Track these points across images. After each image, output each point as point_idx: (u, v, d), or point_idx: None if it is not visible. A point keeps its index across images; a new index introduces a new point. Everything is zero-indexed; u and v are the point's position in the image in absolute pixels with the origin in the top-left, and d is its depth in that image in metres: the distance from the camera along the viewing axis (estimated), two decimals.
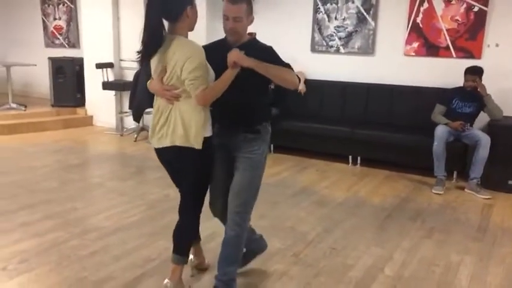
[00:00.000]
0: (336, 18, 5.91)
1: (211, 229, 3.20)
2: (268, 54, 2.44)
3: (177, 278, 2.55)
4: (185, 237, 2.61)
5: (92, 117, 7.61)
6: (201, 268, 2.92)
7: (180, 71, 2.28)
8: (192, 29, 2.46)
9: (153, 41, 2.32)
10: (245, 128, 2.50)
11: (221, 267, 2.55)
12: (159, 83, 2.39)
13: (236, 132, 2.50)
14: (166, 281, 2.54)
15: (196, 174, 2.47)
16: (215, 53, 2.39)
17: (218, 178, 2.57)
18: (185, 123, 2.34)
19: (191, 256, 2.80)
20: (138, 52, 2.40)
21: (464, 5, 5.17)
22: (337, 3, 5.88)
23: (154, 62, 2.42)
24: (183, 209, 2.60)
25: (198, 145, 2.34)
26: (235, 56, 2.30)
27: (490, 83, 4.72)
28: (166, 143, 2.41)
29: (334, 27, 5.94)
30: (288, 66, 2.47)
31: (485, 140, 4.57)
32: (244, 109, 2.48)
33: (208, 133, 2.41)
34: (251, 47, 2.45)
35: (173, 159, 2.48)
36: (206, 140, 2.37)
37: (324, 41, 6.04)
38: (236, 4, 2.37)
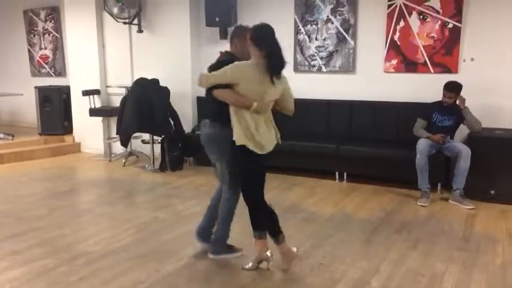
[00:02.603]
0: (316, 38, 6.08)
1: None
2: None
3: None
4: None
5: (79, 144, 7.64)
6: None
7: None
8: (243, 57, 3.11)
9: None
10: None
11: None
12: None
13: None
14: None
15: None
16: None
17: None
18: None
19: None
20: None
21: (439, 22, 5.36)
22: (317, 24, 6.05)
23: None
24: None
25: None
26: None
27: (467, 96, 4.86)
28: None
29: (315, 47, 6.10)
30: None
31: (465, 152, 4.69)
32: None
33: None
34: None
35: None
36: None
37: (306, 61, 6.19)
38: None
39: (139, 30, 6.87)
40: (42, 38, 8.51)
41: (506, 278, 3.15)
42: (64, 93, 7.64)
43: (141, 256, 3.46)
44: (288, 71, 6.19)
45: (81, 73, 7.42)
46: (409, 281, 3.07)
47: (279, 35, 6.81)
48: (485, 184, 4.76)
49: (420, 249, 3.60)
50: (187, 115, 6.62)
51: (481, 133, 4.89)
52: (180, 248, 3.56)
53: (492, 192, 4.75)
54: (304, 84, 6.10)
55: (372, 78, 5.83)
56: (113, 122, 6.97)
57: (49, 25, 8.36)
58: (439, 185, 5.09)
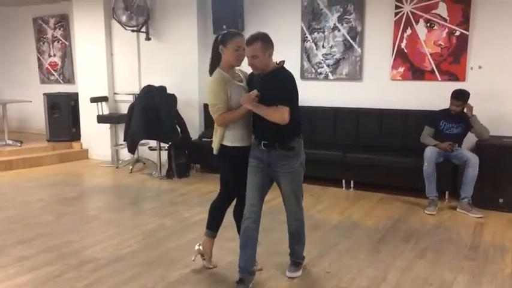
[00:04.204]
0: (323, 46, 6.09)
1: None
2: (278, 86, 2.93)
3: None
4: (212, 213, 3.35)
5: (87, 150, 7.68)
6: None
7: None
8: (229, 65, 3.05)
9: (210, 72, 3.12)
10: (281, 146, 2.98)
11: (292, 251, 3.30)
12: None
13: (273, 149, 2.99)
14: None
15: (222, 172, 3.30)
16: (250, 82, 3.11)
17: (251, 184, 3.04)
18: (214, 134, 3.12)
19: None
20: None
21: (446, 30, 5.36)
22: (323, 32, 6.07)
23: None
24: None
25: (215, 151, 3.11)
26: (242, 99, 2.94)
27: (475, 104, 4.83)
28: None
29: (322, 55, 6.11)
30: (285, 101, 2.88)
31: (474, 160, 4.66)
32: (277, 128, 2.89)
33: (230, 143, 3.05)
34: (271, 77, 2.96)
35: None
36: (230, 149, 3.06)
37: (312, 69, 6.20)
38: (251, 45, 2.89)
39: (147, 38, 6.92)
40: (51, 46, 8.59)
41: None
42: (72, 100, 7.71)
43: (148, 263, 3.47)
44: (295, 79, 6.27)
45: (89, 80, 7.48)
46: None
47: (286, 43, 6.87)
48: (493, 192, 4.72)
49: (428, 258, 3.57)
50: (194, 122, 6.64)
51: (489, 141, 4.85)
52: (187, 255, 3.55)
53: (501, 200, 4.71)
54: (311, 92, 6.11)
55: (378, 86, 5.83)
56: (121, 128, 7.01)
57: (58, 33, 8.45)
58: (446, 193, 5.06)
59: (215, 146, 3.11)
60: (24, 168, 6.81)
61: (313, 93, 6.10)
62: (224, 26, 6.08)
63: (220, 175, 3.35)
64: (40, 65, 8.80)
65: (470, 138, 5.00)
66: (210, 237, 3.34)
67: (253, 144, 3.12)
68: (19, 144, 7.34)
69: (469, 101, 4.83)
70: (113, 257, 3.58)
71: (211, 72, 3.12)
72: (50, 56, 8.65)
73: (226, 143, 3.07)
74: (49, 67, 8.68)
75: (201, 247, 3.36)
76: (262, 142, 3.01)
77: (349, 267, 3.40)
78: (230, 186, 3.24)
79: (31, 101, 7.89)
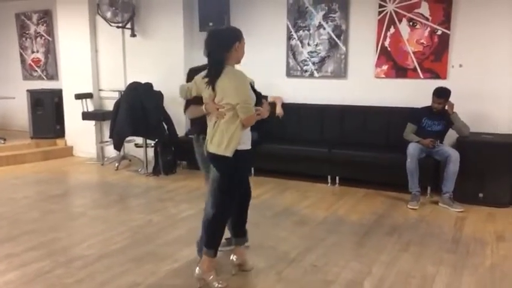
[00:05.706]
0: (308, 44, 6.16)
1: None
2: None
3: (204, 267, 3.00)
4: (210, 230, 3.03)
5: (72, 147, 7.63)
6: (244, 269, 3.26)
7: (228, 97, 2.80)
8: (238, 62, 2.97)
9: (216, 71, 2.83)
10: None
11: None
12: (212, 102, 2.88)
13: None
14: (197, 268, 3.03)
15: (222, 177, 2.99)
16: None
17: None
18: (223, 136, 2.84)
19: (233, 256, 3.24)
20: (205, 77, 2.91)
21: (428, 29, 5.47)
22: (309, 30, 6.13)
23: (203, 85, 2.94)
24: (214, 205, 3.03)
25: (229, 154, 2.83)
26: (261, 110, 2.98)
27: (455, 102, 4.96)
28: (211, 149, 2.93)
29: (308, 52, 6.18)
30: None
31: (455, 156, 4.79)
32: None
33: (245, 146, 2.91)
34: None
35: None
36: (240, 152, 2.87)
37: (298, 66, 6.27)
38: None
39: (133, 35, 6.90)
40: (34, 41, 8.50)
41: (495, 279, 3.22)
42: (56, 97, 7.65)
43: (137, 259, 3.49)
44: (280, 76, 6.36)
45: (73, 77, 7.42)
46: (401, 283, 3.13)
47: (271, 40, 6.90)
48: (473, 187, 4.85)
49: (411, 252, 3.67)
50: (180, 119, 6.64)
51: (469, 137, 4.99)
52: (175, 251, 3.59)
53: (481, 195, 4.84)
54: (296, 89, 6.18)
55: (363, 84, 5.92)
56: (106, 125, 6.99)
57: (41, 28, 8.36)
58: (428, 188, 5.18)
59: (230, 149, 2.83)
60: (7, 166, 6.73)
61: (298, 91, 6.18)
62: (210, 23, 6.11)
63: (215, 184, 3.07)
64: (23, 61, 8.70)
65: (452, 135, 5.13)
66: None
67: (201, 141, 3.16)
68: (2, 142, 7.26)
69: (450, 99, 4.95)
70: (101, 253, 3.59)
71: (215, 77, 2.84)
72: (33, 52, 8.55)
73: (242, 146, 2.89)
74: (32, 63, 8.58)
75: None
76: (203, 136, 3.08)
77: (335, 261, 3.47)
78: (221, 190, 3.00)
79: (14, 98, 7.80)
